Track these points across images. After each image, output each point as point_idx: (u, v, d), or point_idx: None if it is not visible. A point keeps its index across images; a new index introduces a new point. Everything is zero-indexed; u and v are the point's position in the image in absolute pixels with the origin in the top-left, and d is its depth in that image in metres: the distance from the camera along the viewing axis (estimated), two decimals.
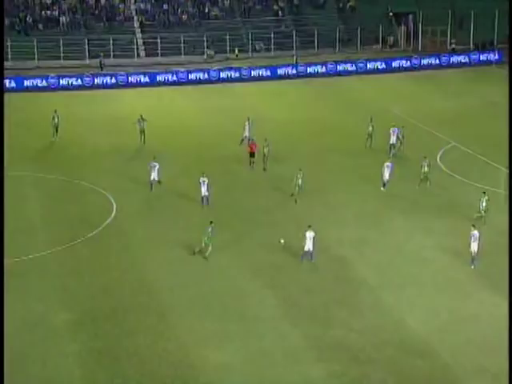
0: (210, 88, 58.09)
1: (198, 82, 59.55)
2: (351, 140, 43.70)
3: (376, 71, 62.30)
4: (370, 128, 41.57)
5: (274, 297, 26.06)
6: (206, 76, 60.38)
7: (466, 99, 52.38)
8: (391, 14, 72.10)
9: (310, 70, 62.05)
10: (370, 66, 62.81)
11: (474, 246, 27.65)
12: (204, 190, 33.40)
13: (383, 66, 62.98)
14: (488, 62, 62.94)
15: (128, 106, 51.81)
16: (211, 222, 28.74)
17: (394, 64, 63.22)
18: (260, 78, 60.58)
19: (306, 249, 28.25)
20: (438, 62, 63.72)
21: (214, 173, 36.20)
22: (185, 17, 70.65)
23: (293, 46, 68.07)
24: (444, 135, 43.50)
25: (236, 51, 67.18)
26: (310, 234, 28.22)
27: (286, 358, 22.41)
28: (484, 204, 31.14)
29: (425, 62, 63.61)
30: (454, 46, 67.78)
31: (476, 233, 27.71)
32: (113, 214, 33.12)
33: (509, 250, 25.06)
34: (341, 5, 73.40)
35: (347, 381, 21.41)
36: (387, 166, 35.34)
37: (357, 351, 22.73)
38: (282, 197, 35.21)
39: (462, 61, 63.80)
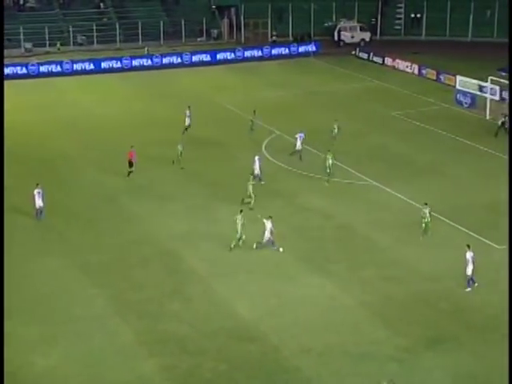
0: (28, 83, 55.57)
1: (16, 76, 56.70)
2: (175, 132, 43.88)
3: (201, 63, 62.77)
4: (252, 120, 42.99)
5: (103, 295, 25.54)
6: (25, 70, 57.69)
7: (287, 90, 54.17)
8: (214, 6, 72.98)
9: (135, 62, 61.22)
10: (195, 58, 63.17)
11: (469, 268, 25.57)
12: (39, 202, 31.08)
13: (208, 58, 63.59)
14: (306, 54, 65.49)
15: None
16: (241, 211, 28.57)
17: (219, 56, 64.00)
18: (83, 72, 58.87)
19: (266, 238, 28.59)
20: (260, 53, 65.34)
21: (38, 174, 34.82)
22: None
23: (116, 39, 67.03)
24: (268, 125, 44.75)
25: (58, 44, 64.86)
26: (267, 224, 28.54)
27: (116, 356, 22.07)
28: (428, 215, 29.61)
29: (248, 53, 64.97)
30: (274, 38, 69.91)
31: (471, 254, 25.61)
32: None
33: (509, 251, 26.21)
34: None
35: (179, 373, 21.46)
36: (257, 160, 35.61)
37: (188, 342, 22.86)
38: (108, 193, 34.58)
39: (283, 52, 65.84)
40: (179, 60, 62.64)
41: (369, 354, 22.21)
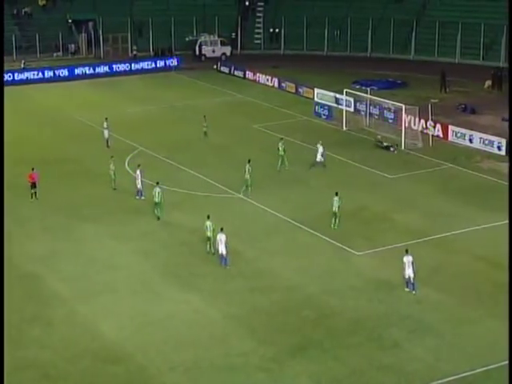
0: None
1: None
2: (36, 149, 42.33)
3: (59, 79, 61.07)
4: (206, 126, 44.14)
5: None
6: None
7: (149, 104, 53.71)
8: (70, 20, 71.26)
9: None
10: (52, 73, 61.36)
11: (410, 272, 25.87)
12: None
13: (66, 73, 61.96)
14: (168, 68, 65.29)
15: None
16: (208, 217, 29.38)
17: (77, 71, 62.51)
18: None
19: (220, 252, 28.21)
20: (120, 68, 64.39)
21: None
22: None
23: None
24: (131, 141, 44.17)
25: None
26: (221, 237, 27.91)
27: None
28: (337, 204, 31.06)
29: (108, 68, 63.88)
30: (135, 52, 69.22)
31: (409, 258, 25.93)
32: None
33: (509, 252, 25.99)
34: (15, 11, 70.60)
35: None
36: (139, 174, 34.96)
37: (50, 368, 21.98)
38: None
39: (144, 67, 65.25)
40: (34, 76, 60.69)
41: (237, 366, 22.27)
